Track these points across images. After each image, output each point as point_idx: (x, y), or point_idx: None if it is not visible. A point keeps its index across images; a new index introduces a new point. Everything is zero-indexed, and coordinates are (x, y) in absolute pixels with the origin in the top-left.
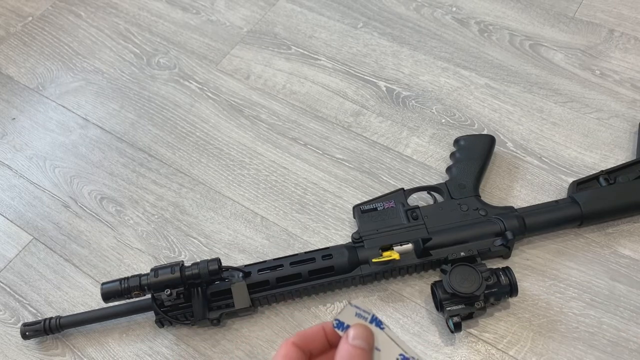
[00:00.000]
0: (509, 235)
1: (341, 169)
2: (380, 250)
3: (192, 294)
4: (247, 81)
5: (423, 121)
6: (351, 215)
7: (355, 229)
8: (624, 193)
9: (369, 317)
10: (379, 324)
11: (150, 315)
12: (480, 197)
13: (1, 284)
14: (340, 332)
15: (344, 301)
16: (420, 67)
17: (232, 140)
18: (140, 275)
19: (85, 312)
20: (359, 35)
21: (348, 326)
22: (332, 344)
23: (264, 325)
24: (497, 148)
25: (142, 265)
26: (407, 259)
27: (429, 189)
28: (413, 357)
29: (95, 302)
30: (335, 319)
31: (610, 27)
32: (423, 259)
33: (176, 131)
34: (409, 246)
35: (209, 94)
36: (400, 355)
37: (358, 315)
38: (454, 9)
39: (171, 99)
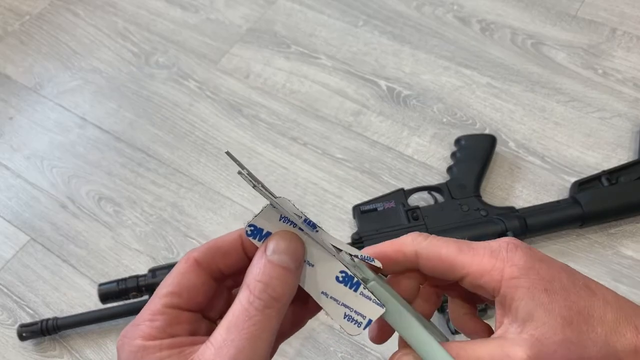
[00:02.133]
0: (510, 235)
1: (341, 169)
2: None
3: None
4: (247, 80)
5: (424, 120)
6: (351, 216)
7: (355, 229)
8: (626, 193)
9: (300, 221)
10: (311, 227)
11: None
12: (481, 197)
13: None
14: (257, 243)
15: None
16: (421, 66)
17: (232, 140)
18: (137, 276)
19: (83, 314)
20: (359, 33)
21: (268, 234)
22: (252, 259)
23: None
24: (499, 147)
25: (140, 266)
26: None
27: (429, 189)
28: (358, 267)
29: (93, 303)
30: (250, 224)
31: (612, 25)
32: None
33: (175, 131)
34: None
35: (208, 93)
36: (342, 272)
37: (284, 219)
38: (455, 7)
39: (170, 98)
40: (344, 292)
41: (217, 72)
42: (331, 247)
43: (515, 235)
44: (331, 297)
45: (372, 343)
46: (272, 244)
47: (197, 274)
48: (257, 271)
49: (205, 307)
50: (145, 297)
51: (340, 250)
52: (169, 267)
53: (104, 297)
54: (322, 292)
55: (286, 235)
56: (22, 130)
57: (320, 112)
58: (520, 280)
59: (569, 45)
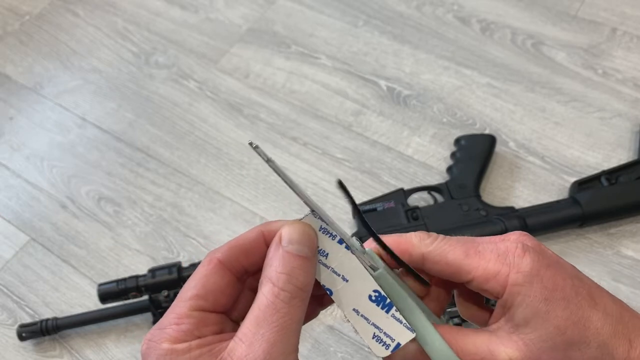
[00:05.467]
0: None
1: (341, 169)
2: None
3: None
4: (247, 80)
5: (424, 120)
6: (351, 216)
7: (355, 230)
8: (626, 193)
9: (337, 238)
10: (347, 247)
11: (148, 316)
12: (481, 197)
13: None
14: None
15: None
16: (422, 66)
17: (231, 140)
18: (137, 276)
19: (82, 314)
20: (359, 33)
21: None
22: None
23: None
24: (499, 147)
25: (140, 266)
26: None
27: (429, 189)
28: (368, 255)
29: (93, 303)
30: None
31: (612, 25)
32: None
33: (175, 131)
34: None
35: (208, 93)
36: (375, 291)
37: (324, 231)
38: (456, 7)
39: (170, 98)
40: (375, 312)
41: (217, 72)
42: (365, 265)
43: None
44: (362, 315)
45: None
46: (286, 235)
47: (222, 274)
48: (277, 263)
49: (230, 308)
50: (145, 297)
51: (353, 236)
52: (168, 268)
53: (104, 297)
54: (354, 309)
55: (298, 225)
56: (22, 130)
57: (320, 112)
58: (523, 287)
59: (569, 45)
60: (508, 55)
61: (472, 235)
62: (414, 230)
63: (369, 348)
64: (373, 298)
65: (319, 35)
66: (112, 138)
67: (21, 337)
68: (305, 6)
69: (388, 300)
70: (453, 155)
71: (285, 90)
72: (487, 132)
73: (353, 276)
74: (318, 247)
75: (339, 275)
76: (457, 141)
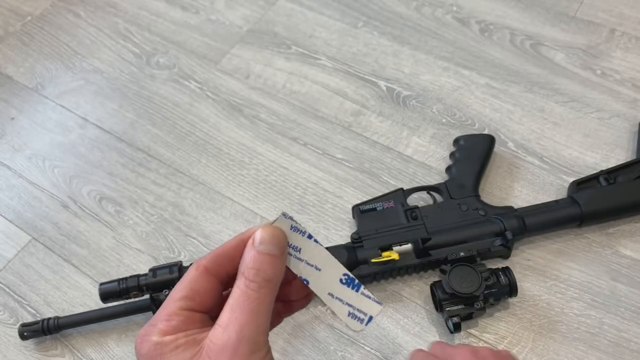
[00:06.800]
0: (509, 235)
1: (341, 169)
2: (379, 251)
3: None
4: (247, 81)
5: (424, 121)
6: (351, 215)
7: (354, 229)
8: (624, 193)
9: (306, 234)
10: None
11: (149, 315)
12: (479, 197)
13: (0, 284)
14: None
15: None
16: (421, 67)
17: (232, 140)
18: (138, 276)
19: (84, 313)
20: (359, 34)
21: None
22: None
23: None
24: (498, 148)
25: (141, 266)
26: (407, 259)
27: (428, 188)
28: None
29: (95, 302)
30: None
31: (611, 26)
32: (422, 259)
33: (175, 131)
34: (409, 246)
35: (209, 94)
36: (345, 275)
37: (294, 229)
38: (455, 8)
39: (170, 99)
40: (347, 293)
41: (217, 73)
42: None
43: (514, 235)
44: (336, 297)
45: (372, 342)
46: (258, 237)
47: (207, 279)
48: (248, 260)
49: (213, 309)
50: (146, 296)
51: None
52: (169, 267)
53: (105, 296)
54: (329, 294)
55: (268, 228)
56: (23, 130)
57: (320, 112)
58: None
59: (567, 46)
60: (507, 55)
61: (470, 235)
62: (414, 230)
63: (346, 325)
64: (344, 281)
65: (319, 36)
66: (114, 138)
67: (23, 337)
68: (305, 7)
69: (356, 281)
70: (452, 155)
71: (285, 90)
72: (486, 132)
73: (324, 265)
74: (291, 243)
75: (312, 265)
76: (456, 141)
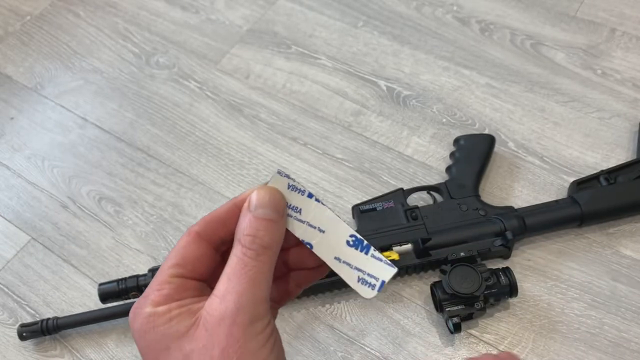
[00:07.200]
0: (509, 235)
1: (341, 169)
2: (379, 251)
3: None
4: (247, 80)
5: (424, 121)
6: (351, 215)
7: (354, 229)
8: (624, 193)
9: (306, 193)
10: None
11: None
12: (480, 197)
13: None
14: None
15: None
16: (421, 67)
17: (232, 140)
18: (137, 276)
19: (83, 313)
20: (359, 34)
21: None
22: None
23: None
24: (498, 147)
25: (141, 266)
26: (407, 259)
27: (428, 188)
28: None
29: (94, 302)
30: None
31: (611, 26)
32: (422, 259)
33: (175, 131)
34: (409, 246)
35: (209, 94)
36: (352, 236)
37: (292, 188)
38: (455, 7)
39: (170, 99)
40: (355, 256)
41: (217, 73)
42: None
43: (514, 235)
44: (344, 262)
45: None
46: (253, 200)
47: (199, 245)
48: (244, 226)
49: (209, 278)
50: None
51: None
52: None
53: (104, 296)
54: (335, 258)
55: (264, 190)
56: (22, 130)
57: (320, 112)
58: None
59: (568, 45)
60: (507, 55)
61: (471, 235)
62: (414, 230)
63: (356, 292)
64: (351, 243)
65: (319, 36)
66: (113, 138)
67: (22, 337)
68: (305, 7)
69: (365, 243)
70: (452, 155)
71: (285, 90)
72: (486, 132)
73: (328, 226)
74: (290, 204)
75: (314, 227)
76: (457, 141)
